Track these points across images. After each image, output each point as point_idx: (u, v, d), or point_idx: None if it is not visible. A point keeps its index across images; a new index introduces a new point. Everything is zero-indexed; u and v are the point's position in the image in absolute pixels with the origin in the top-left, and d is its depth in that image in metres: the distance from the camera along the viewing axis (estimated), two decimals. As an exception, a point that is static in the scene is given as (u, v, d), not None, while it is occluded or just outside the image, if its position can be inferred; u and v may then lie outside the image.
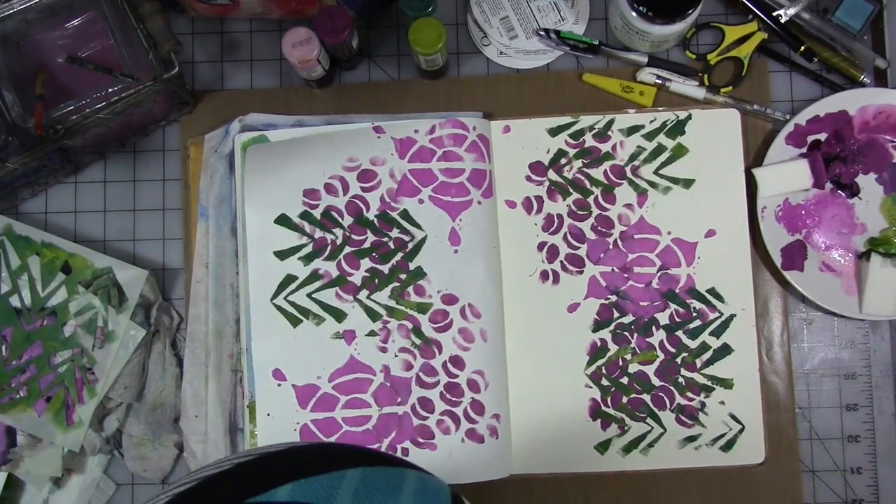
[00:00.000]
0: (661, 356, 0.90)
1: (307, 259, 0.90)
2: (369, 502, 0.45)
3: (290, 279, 0.89)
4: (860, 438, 0.91)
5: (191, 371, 0.91)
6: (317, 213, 0.90)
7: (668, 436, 0.89)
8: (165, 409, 0.91)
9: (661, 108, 0.93)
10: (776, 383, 0.90)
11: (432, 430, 0.88)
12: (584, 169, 0.92)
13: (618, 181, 0.91)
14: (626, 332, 0.90)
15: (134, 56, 0.85)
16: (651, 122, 0.92)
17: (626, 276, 0.90)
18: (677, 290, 0.90)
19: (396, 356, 0.89)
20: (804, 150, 0.91)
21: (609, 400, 0.90)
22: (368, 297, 0.89)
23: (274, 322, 0.89)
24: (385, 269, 0.90)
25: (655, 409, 0.89)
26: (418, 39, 0.86)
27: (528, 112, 0.93)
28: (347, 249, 0.90)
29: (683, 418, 0.89)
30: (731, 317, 0.90)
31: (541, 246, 0.91)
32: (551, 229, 0.91)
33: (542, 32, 0.93)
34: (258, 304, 0.89)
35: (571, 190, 0.92)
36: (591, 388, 0.90)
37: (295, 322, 0.89)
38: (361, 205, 0.90)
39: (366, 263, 0.90)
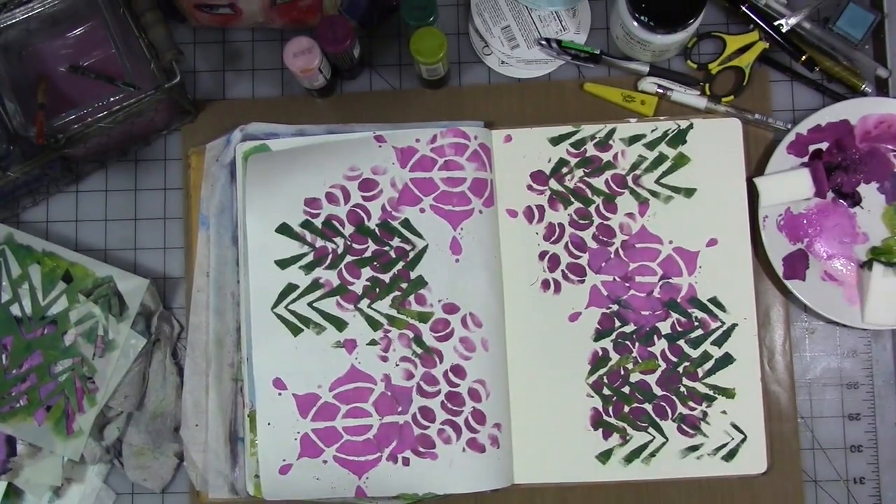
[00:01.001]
0: (663, 365, 0.90)
1: (308, 268, 0.90)
2: None
3: (291, 288, 0.89)
4: (863, 448, 0.91)
5: (191, 380, 0.90)
6: (318, 222, 0.90)
7: (670, 445, 0.89)
8: (166, 419, 0.91)
9: (662, 118, 0.93)
10: (778, 393, 0.90)
11: (433, 439, 0.87)
12: (586, 178, 0.92)
13: (619, 190, 0.91)
14: (627, 342, 0.90)
15: (136, 65, 0.85)
16: (652, 131, 0.92)
17: (627, 285, 0.90)
18: (679, 300, 0.90)
19: (397, 365, 0.89)
20: (805, 159, 0.91)
21: (610, 409, 0.89)
22: (369, 307, 0.89)
23: (275, 331, 0.89)
24: (386, 278, 0.89)
25: (657, 419, 0.89)
26: (420, 49, 0.86)
27: (529, 121, 0.93)
28: (348, 258, 0.90)
29: (685, 428, 0.89)
30: (733, 326, 0.89)
31: (542, 255, 0.91)
32: (552, 238, 0.91)
33: (544, 42, 0.94)
34: (259, 313, 0.89)
35: (573, 199, 0.92)
36: (592, 397, 0.90)
37: (296, 331, 0.89)
38: (362, 214, 0.90)
39: (367, 272, 0.90)
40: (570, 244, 0.91)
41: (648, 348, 0.90)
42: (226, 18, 0.93)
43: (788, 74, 0.94)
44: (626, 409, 0.89)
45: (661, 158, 0.92)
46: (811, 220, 0.91)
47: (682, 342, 0.90)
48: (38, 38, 0.88)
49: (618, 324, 0.90)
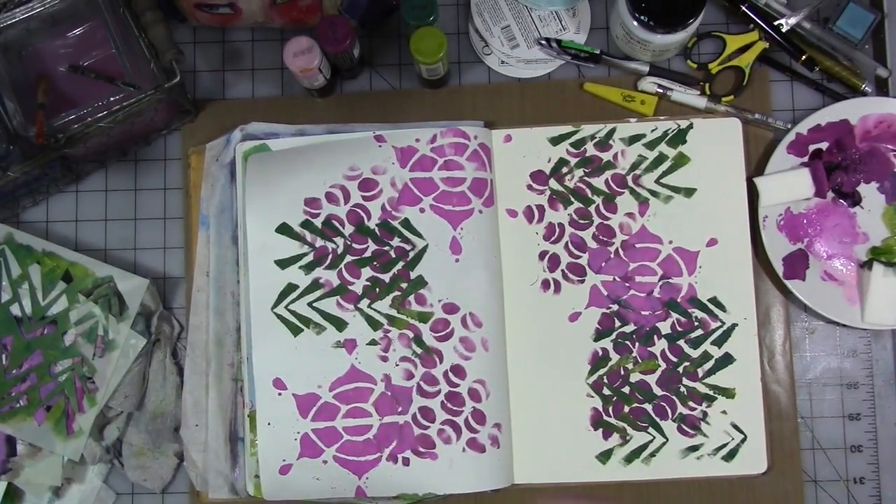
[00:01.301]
0: (663, 365, 0.90)
1: (308, 268, 0.90)
2: None
3: (291, 288, 0.89)
4: (863, 448, 0.91)
5: (191, 380, 0.90)
6: (318, 222, 0.90)
7: (670, 445, 0.89)
8: (166, 419, 0.91)
9: (662, 118, 0.93)
10: (778, 393, 0.90)
11: (433, 439, 0.87)
12: (586, 178, 0.92)
13: (619, 190, 0.91)
14: (627, 342, 0.90)
15: (135, 65, 0.85)
16: (652, 131, 0.92)
17: (627, 285, 0.90)
18: (679, 300, 0.90)
19: (397, 365, 0.89)
20: (805, 159, 0.91)
21: (611, 409, 0.89)
22: (369, 307, 0.89)
23: (275, 331, 0.89)
24: (386, 278, 0.89)
25: (657, 419, 0.89)
26: (420, 48, 0.86)
27: (529, 121, 0.93)
28: (348, 258, 0.90)
29: (685, 428, 0.89)
30: (733, 326, 0.89)
31: (542, 255, 0.91)
32: (552, 238, 0.91)
33: (544, 42, 0.94)
34: (259, 313, 0.89)
35: (573, 199, 0.92)
36: (592, 397, 0.90)
37: (296, 331, 0.89)
38: (362, 213, 0.90)
39: (367, 272, 0.90)
40: (570, 244, 0.91)
41: (648, 348, 0.90)
42: (226, 18, 0.93)
43: (788, 74, 0.94)
44: (626, 409, 0.89)
45: (661, 158, 0.92)
46: (811, 220, 0.91)
47: (682, 342, 0.90)
48: (38, 38, 0.88)
49: (618, 324, 0.90)
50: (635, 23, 0.87)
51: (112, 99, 0.84)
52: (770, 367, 0.90)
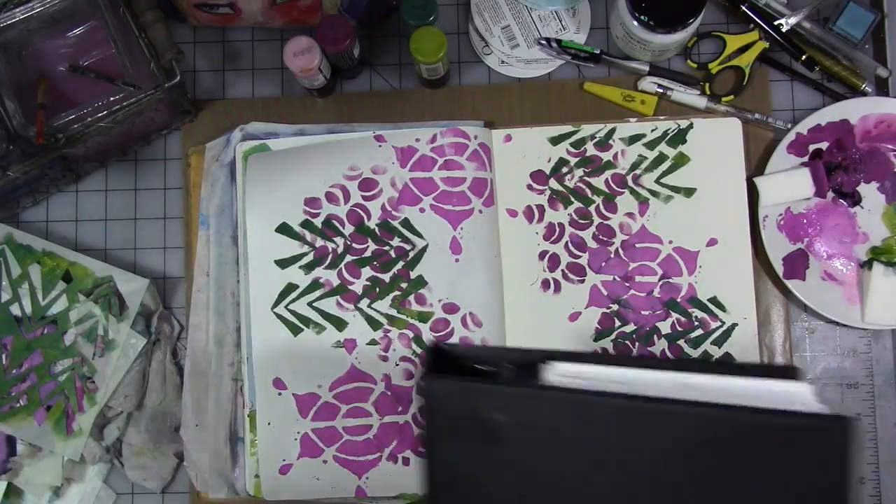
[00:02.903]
0: (663, 365, 0.89)
1: (308, 268, 0.90)
2: None
3: (290, 288, 0.89)
4: (863, 448, 0.90)
5: (191, 380, 0.90)
6: (318, 222, 0.90)
7: (670, 445, 0.89)
8: (166, 418, 0.91)
9: (662, 117, 0.93)
10: (778, 393, 0.90)
11: (433, 439, 0.87)
12: (586, 178, 0.92)
13: (619, 190, 0.91)
14: (627, 341, 0.90)
15: (135, 65, 0.85)
16: (652, 130, 0.92)
17: (627, 284, 0.90)
18: (679, 299, 0.90)
19: (397, 365, 0.89)
20: (806, 158, 0.91)
21: (610, 409, 0.89)
22: (369, 306, 0.89)
23: (275, 331, 0.89)
24: (386, 277, 0.89)
25: (657, 419, 0.89)
26: (420, 48, 0.86)
27: (529, 121, 0.93)
28: (348, 258, 0.90)
29: (685, 428, 0.89)
30: (733, 326, 0.89)
31: (542, 255, 0.91)
32: (552, 238, 0.91)
33: (544, 41, 0.94)
34: (259, 313, 0.89)
35: (573, 199, 0.92)
36: (592, 397, 0.89)
37: (296, 331, 0.89)
38: (362, 213, 0.90)
39: (367, 272, 0.90)
40: (570, 244, 0.91)
41: (648, 348, 0.90)
42: (226, 18, 0.93)
43: (788, 74, 0.94)
44: (626, 408, 0.89)
45: (661, 158, 0.92)
46: (811, 220, 0.91)
47: (682, 342, 0.89)
48: (38, 38, 0.88)
49: (618, 323, 0.90)
50: (635, 23, 0.87)
51: (112, 99, 0.84)
52: (770, 367, 0.90)
